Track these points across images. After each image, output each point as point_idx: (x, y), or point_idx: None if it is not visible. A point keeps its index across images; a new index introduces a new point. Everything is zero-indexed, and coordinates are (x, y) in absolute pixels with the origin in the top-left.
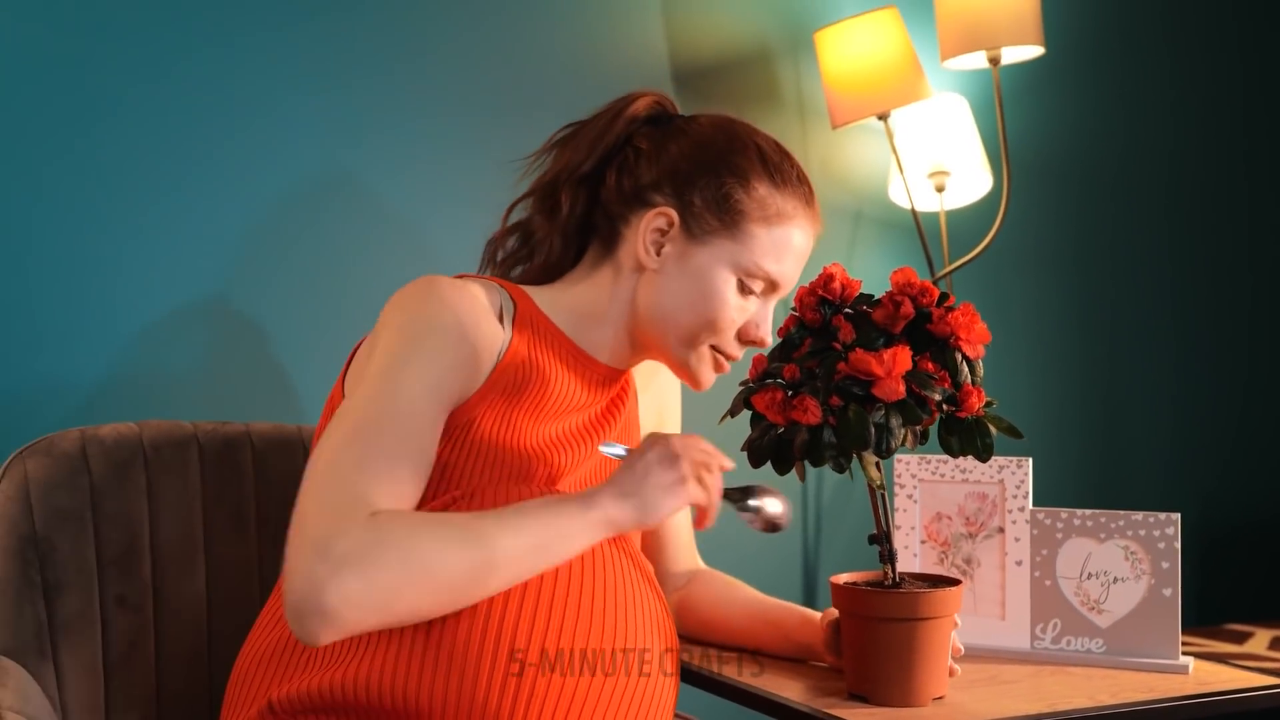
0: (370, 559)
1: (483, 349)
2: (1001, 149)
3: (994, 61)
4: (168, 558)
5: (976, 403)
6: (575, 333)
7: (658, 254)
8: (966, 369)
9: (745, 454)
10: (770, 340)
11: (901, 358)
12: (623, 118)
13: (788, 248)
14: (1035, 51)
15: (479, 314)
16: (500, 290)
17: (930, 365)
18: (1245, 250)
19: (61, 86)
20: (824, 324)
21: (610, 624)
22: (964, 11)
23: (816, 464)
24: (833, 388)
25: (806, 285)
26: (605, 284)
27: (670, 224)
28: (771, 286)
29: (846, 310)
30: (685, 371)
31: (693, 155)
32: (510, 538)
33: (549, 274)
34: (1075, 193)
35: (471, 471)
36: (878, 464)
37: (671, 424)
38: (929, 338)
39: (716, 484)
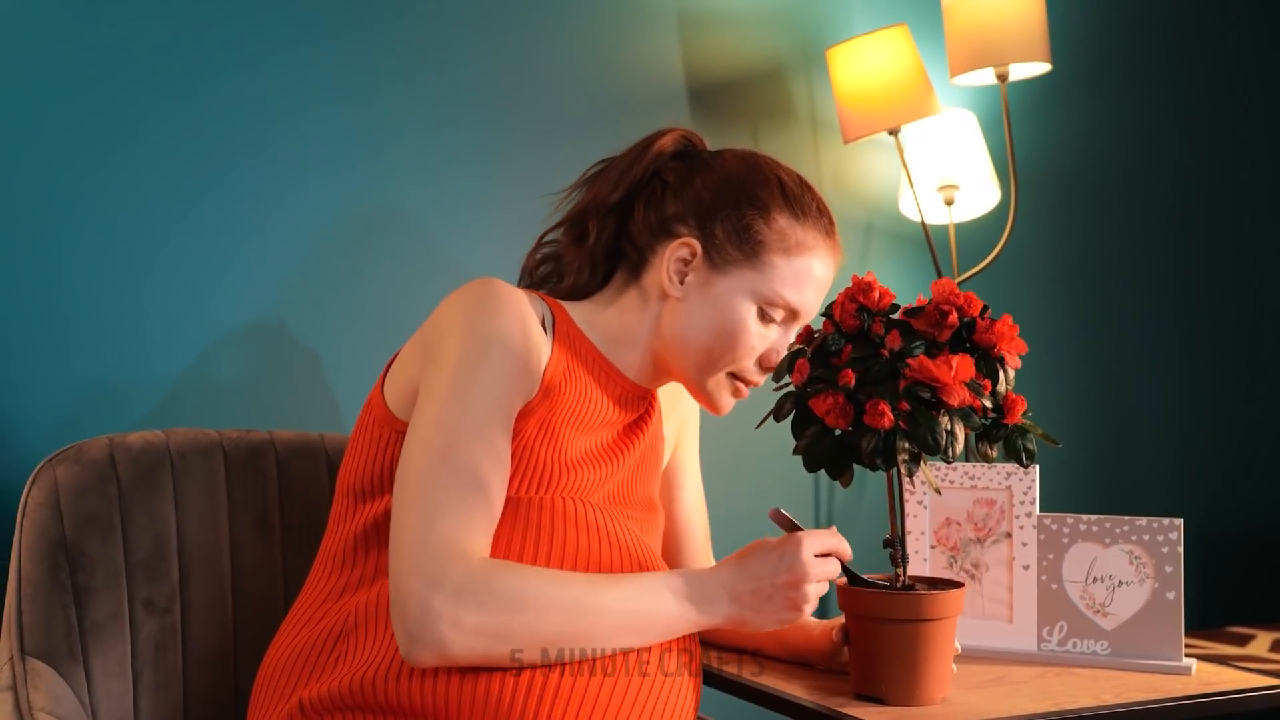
0: (483, 600)
1: (535, 358)
2: (1009, 163)
3: (1002, 78)
4: (194, 562)
5: (1020, 410)
6: (606, 350)
7: (681, 282)
8: (1003, 377)
9: (799, 459)
10: None
11: (965, 365)
12: (650, 152)
13: (808, 278)
14: (1042, 68)
15: (532, 322)
16: (541, 302)
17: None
18: (1248, 261)
19: (93, 105)
20: (864, 331)
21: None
22: (973, 29)
23: (888, 468)
24: (901, 393)
25: (842, 293)
26: (632, 308)
27: (693, 254)
28: (792, 315)
29: (892, 319)
30: (704, 396)
31: (716, 188)
32: (615, 615)
33: (576, 295)
34: (1081, 206)
35: (510, 478)
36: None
37: (689, 444)
38: (967, 346)
39: (826, 588)
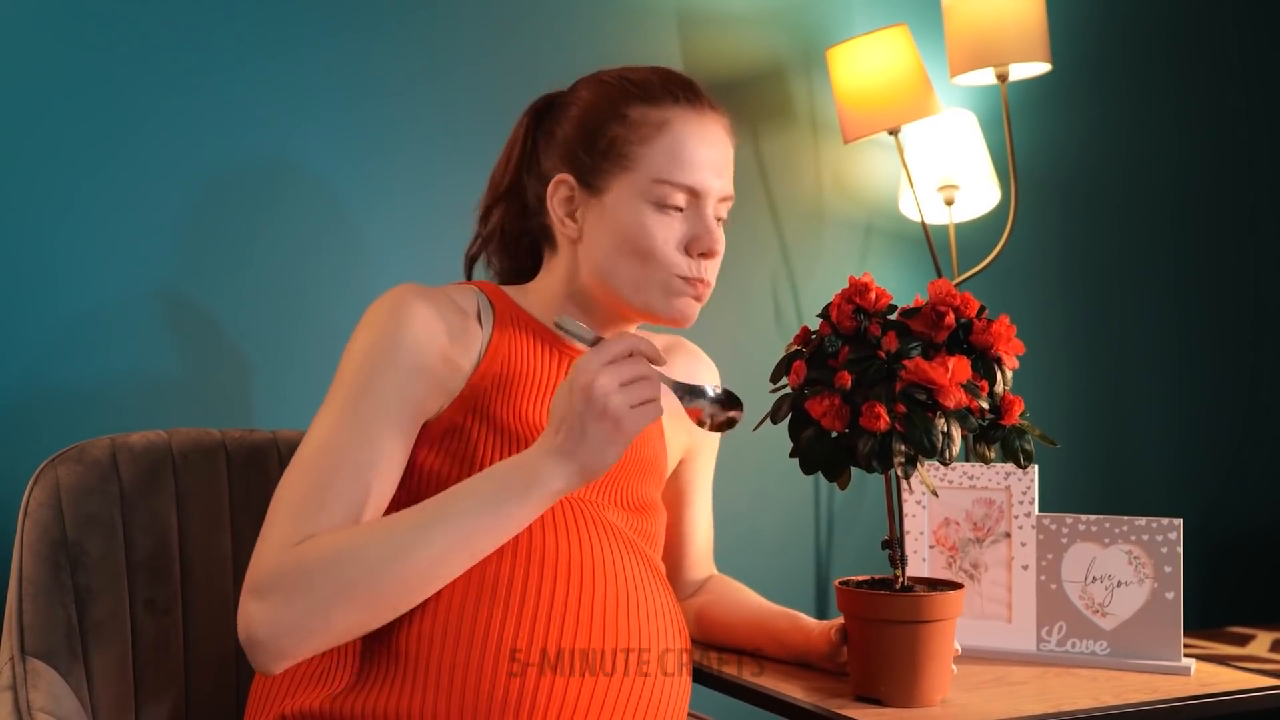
0: (293, 587)
1: (457, 354)
2: (1009, 163)
3: (1002, 78)
4: (196, 562)
5: (1018, 411)
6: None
7: (574, 220)
8: (1000, 378)
9: (796, 461)
10: (720, 249)
11: (962, 367)
12: (520, 124)
13: (682, 149)
14: (1042, 68)
15: (447, 321)
16: (477, 293)
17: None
18: (1248, 260)
19: (92, 104)
20: (860, 333)
21: (613, 625)
22: (973, 29)
23: (884, 470)
24: (897, 395)
25: (839, 294)
26: (557, 270)
27: (571, 188)
28: (691, 193)
29: (889, 320)
30: (661, 315)
31: (575, 121)
32: (440, 536)
33: (518, 280)
34: (1081, 206)
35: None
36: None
37: (705, 457)
38: (964, 347)
39: (653, 393)
